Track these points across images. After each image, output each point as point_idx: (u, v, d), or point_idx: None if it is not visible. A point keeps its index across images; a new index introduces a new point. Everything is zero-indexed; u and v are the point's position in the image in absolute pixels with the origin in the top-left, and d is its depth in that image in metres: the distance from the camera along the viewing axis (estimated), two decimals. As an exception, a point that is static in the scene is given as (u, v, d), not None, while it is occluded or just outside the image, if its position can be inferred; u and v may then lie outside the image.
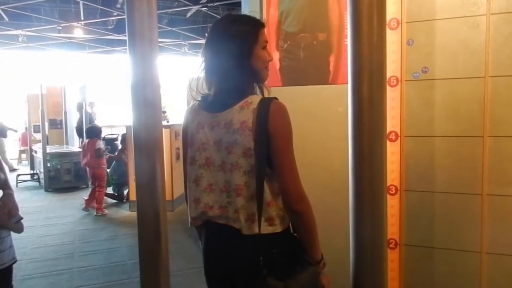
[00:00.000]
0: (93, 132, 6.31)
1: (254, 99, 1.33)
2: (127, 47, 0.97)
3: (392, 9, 1.94)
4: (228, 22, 1.38)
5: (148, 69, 0.97)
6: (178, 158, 6.31)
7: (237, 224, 1.36)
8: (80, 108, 8.81)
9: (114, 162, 6.83)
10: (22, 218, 2.41)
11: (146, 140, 0.98)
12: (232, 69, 1.34)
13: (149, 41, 0.96)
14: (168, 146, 5.99)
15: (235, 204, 1.35)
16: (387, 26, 1.88)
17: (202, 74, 1.42)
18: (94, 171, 6.15)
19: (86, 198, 6.21)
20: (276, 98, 1.35)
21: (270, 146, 1.30)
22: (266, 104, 1.31)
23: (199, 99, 1.47)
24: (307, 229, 1.37)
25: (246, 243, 1.35)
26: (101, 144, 6.21)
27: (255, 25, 1.38)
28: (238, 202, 1.34)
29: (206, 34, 1.43)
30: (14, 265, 2.42)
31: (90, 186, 6.42)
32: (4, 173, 2.36)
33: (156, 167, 0.99)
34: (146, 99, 0.97)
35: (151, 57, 0.97)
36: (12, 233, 2.37)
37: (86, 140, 6.33)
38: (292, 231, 1.43)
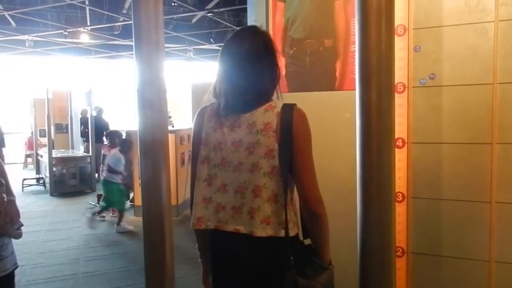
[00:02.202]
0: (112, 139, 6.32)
1: (278, 104, 1.39)
2: (133, 52, 0.97)
3: (399, 15, 1.93)
4: (259, 35, 1.42)
5: (154, 73, 0.97)
6: (182, 163, 6.31)
7: (247, 228, 1.36)
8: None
9: None
10: (22, 225, 2.41)
11: (152, 144, 0.97)
12: (265, 77, 1.40)
13: (156, 46, 0.96)
14: (173, 151, 6.00)
15: (251, 205, 1.35)
16: (394, 32, 1.87)
17: (218, 78, 1.45)
18: None
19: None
20: (296, 105, 1.40)
21: (293, 148, 1.34)
22: (290, 108, 1.37)
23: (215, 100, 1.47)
24: (322, 231, 1.40)
25: (261, 245, 1.36)
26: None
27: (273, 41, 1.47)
28: (255, 203, 1.35)
29: (228, 41, 1.45)
30: (18, 270, 2.43)
31: None
32: (5, 178, 2.35)
33: (161, 172, 0.98)
34: (152, 104, 0.97)
35: (158, 61, 0.97)
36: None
37: (107, 145, 6.37)
38: (303, 237, 1.45)
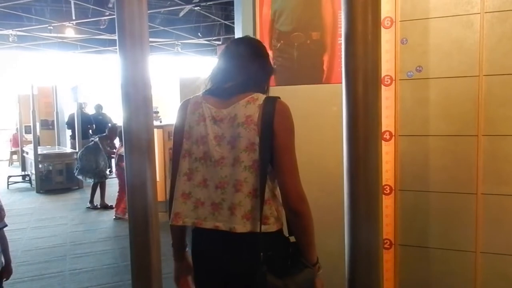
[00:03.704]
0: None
1: (260, 96, 1.37)
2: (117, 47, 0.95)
3: (386, 8, 1.93)
4: (254, 41, 1.55)
5: (139, 69, 0.95)
6: (171, 158, 6.25)
7: (227, 224, 1.33)
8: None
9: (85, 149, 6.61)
10: (6, 226, 2.36)
11: (137, 141, 0.95)
12: (250, 69, 1.43)
13: (140, 41, 0.94)
14: (161, 147, 5.94)
15: (231, 200, 1.33)
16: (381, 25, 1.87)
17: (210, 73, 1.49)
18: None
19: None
20: (279, 98, 1.38)
21: (274, 143, 1.31)
22: (272, 101, 1.35)
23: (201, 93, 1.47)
24: (305, 230, 1.36)
25: (241, 242, 1.33)
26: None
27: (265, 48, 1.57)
28: (236, 198, 1.32)
29: (226, 46, 1.54)
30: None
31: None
32: None
33: (147, 170, 0.97)
34: (137, 100, 0.95)
35: (142, 57, 0.95)
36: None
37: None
38: (288, 234, 1.41)
